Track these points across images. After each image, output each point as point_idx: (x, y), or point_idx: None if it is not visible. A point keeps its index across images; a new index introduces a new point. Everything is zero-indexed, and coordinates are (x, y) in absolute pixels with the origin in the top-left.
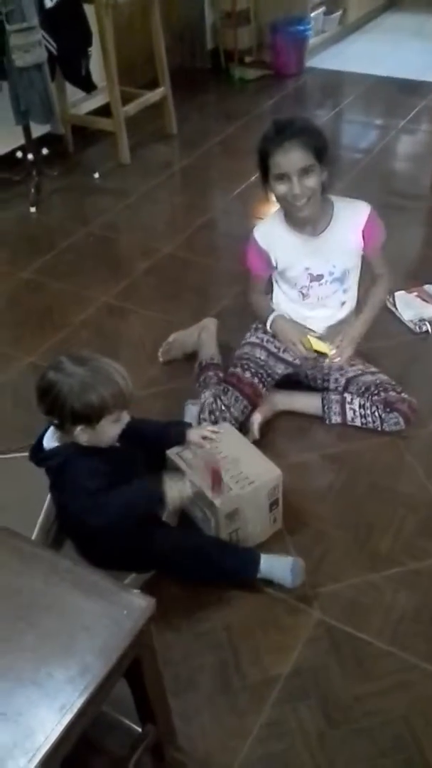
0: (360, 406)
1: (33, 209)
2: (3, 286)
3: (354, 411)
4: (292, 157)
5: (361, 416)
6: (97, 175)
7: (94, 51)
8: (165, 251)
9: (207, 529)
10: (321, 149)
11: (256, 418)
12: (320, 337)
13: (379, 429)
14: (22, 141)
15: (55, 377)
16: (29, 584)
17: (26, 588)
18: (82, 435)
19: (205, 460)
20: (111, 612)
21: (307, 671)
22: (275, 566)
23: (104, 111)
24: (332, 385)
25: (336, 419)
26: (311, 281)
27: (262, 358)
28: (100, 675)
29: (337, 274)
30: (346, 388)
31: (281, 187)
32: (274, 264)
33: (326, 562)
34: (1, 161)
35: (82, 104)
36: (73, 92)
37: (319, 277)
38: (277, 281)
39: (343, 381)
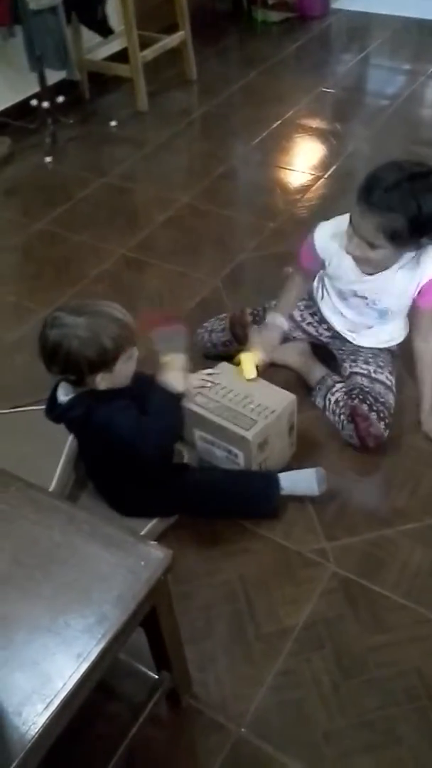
0: (335, 402)
1: (48, 159)
2: (19, 237)
3: (330, 403)
4: (360, 223)
5: (332, 411)
6: (114, 123)
7: None
8: (183, 202)
9: (233, 467)
10: (402, 234)
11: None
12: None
13: (340, 433)
14: (37, 88)
15: (59, 334)
16: (46, 535)
17: (43, 538)
18: (102, 382)
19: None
20: (128, 562)
21: (321, 623)
22: (297, 480)
23: (121, 56)
24: (342, 370)
25: (319, 402)
26: (355, 296)
27: None
28: (117, 624)
29: (380, 308)
30: (348, 378)
31: (348, 234)
32: (326, 265)
33: (342, 516)
34: (16, 109)
35: (98, 49)
36: (89, 37)
37: (364, 298)
38: (324, 277)
39: (348, 371)
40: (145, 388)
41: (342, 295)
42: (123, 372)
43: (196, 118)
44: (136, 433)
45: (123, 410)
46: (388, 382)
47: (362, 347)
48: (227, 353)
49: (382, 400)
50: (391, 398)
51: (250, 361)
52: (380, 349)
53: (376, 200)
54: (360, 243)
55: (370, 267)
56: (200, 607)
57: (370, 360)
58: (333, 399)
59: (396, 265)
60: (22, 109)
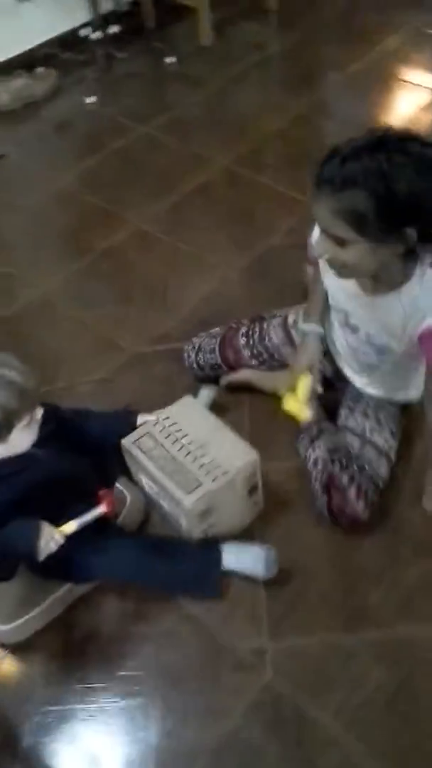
0: (314, 462)
1: (90, 99)
2: (36, 195)
3: (309, 460)
4: (316, 211)
5: (309, 470)
6: (171, 60)
7: None
8: (222, 164)
9: (173, 523)
10: (369, 218)
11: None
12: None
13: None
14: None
15: None
16: None
17: None
18: None
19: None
20: None
21: (236, 750)
22: (242, 557)
23: None
24: (338, 417)
25: (301, 453)
26: (345, 325)
27: (275, 340)
28: None
29: (376, 343)
30: (338, 432)
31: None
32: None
33: (296, 607)
34: (66, 40)
35: None
36: None
37: (354, 329)
38: None
39: (342, 422)
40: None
41: (341, 321)
42: (20, 441)
43: (269, 56)
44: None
45: None
46: (385, 446)
47: (366, 393)
48: (216, 376)
49: (369, 471)
50: (383, 469)
51: (304, 389)
52: (388, 401)
53: (328, 175)
54: (326, 240)
55: (349, 277)
56: (98, 705)
57: (369, 413)
58: (312, 457)
59: (414, 284)
60: (73, 39)
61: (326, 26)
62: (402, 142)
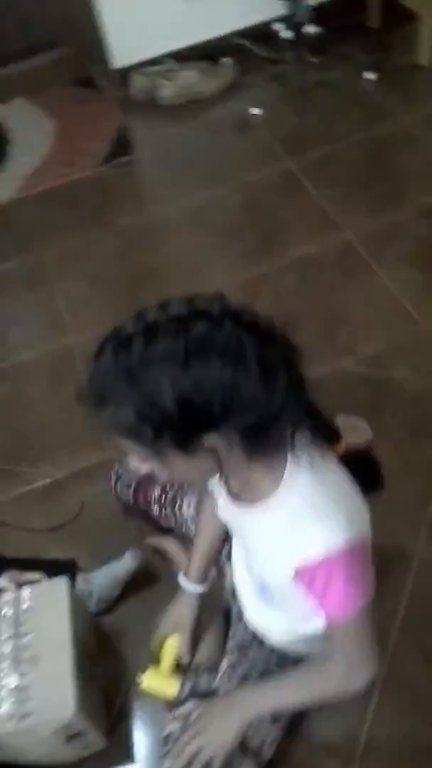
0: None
1: (256, 111)
2: (139, 217)
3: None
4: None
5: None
6: (371, 76)
7: None
8: (353, 235)
9: None
10: (140, 430)
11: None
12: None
13: None
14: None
15: None
16: None
17: None
18: None
19: None
20: None
21: None
22: None
23: None
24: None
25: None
26: (237, 545)
27: (186, 512)
28: None
29: (255, 574)
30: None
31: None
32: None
33: None
34: (256, 33)
35: None
36: None
37: (243, 549)
38: None
39: (216, 681)
40: None
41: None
42: None
43: None
44: None
45: None
46: (254, 741)
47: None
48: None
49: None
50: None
51: (170, 657)
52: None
53: (82, 391)
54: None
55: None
56: None
57: (254, 674)
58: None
59: (287, 490)
60: (264, 34)
61: None
62: (175, 324)
